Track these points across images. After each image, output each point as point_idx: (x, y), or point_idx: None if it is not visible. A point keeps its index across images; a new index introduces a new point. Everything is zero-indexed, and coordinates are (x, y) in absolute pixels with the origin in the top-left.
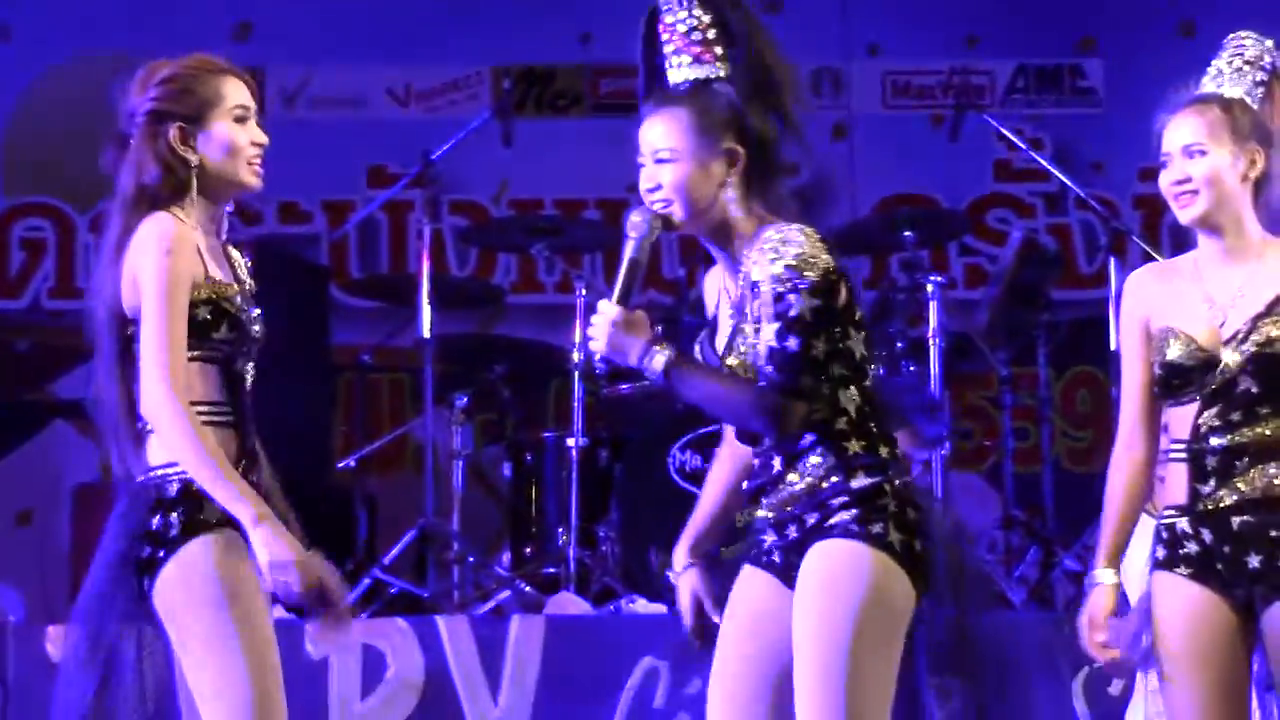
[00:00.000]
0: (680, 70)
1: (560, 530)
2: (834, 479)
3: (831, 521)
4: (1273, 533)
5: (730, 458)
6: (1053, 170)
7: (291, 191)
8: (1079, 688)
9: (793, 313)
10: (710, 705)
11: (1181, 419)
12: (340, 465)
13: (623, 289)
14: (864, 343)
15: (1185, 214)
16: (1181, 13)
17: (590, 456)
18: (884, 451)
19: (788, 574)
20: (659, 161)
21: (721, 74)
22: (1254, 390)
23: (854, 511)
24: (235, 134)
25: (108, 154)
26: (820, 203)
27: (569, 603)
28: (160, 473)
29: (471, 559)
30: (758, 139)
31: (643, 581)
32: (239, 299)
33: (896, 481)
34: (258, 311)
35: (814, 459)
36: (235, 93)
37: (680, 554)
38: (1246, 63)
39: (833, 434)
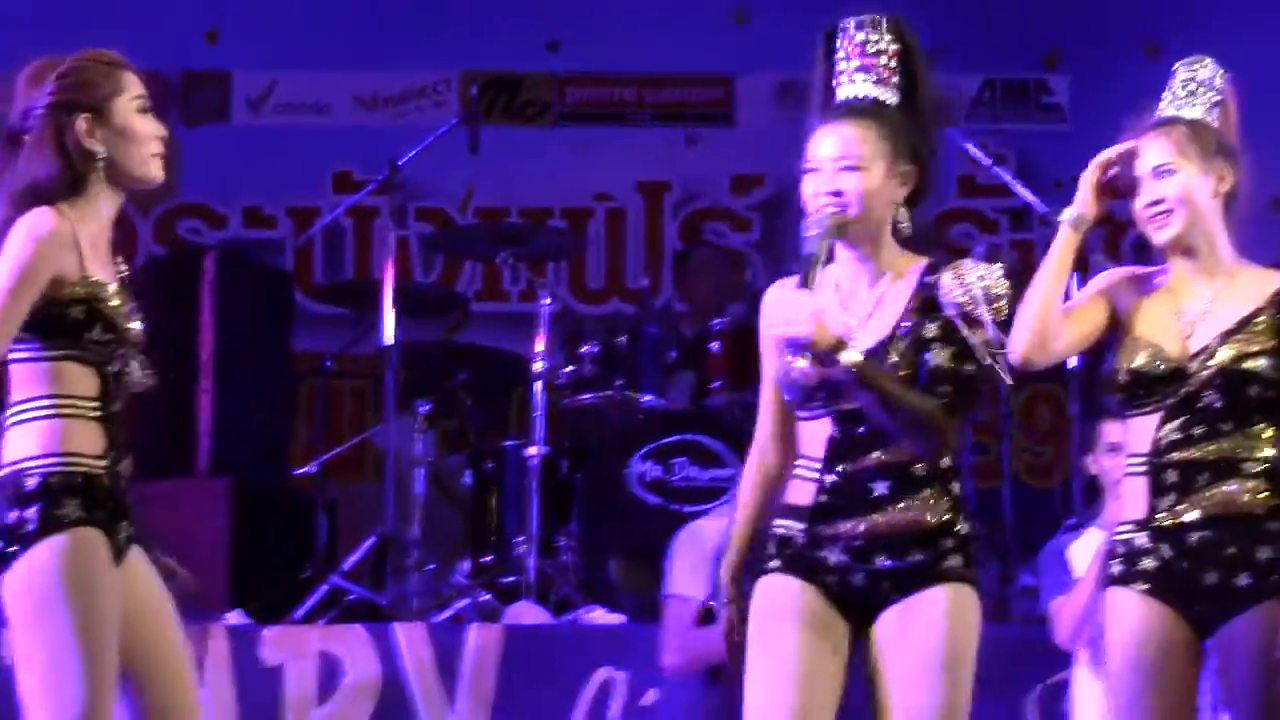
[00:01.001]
0: (859, 85)
1: (520, 539)
2: (946, 518)
3: (946, 564)
4: (1230, 550)
5: (763, 474)
6: (1016, 187)
7: (257, 197)
8: (1032, 706)
9: (974, 342)
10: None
11: (1141, 432)
12: (301, 471)
13: (809, 282)
14: None
15: (1161, 235)
16: (1148, 32)
17: (551, 466)
18: (970, 498)
19: (857, 599)
20: (845, 169)
21: (893, 100)
22: (1217, 405)
23: (962, 556)
24: (139, 124)
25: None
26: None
27: (527, 612)
28: (18, 466)
29: (431, 567)
30: (923, 168)
31: (602, 591)
32: (115, 300)
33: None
34: (133, 310)
35: (928, 492)
36: (134, 85)
37: (730, 578)
38: (1200, 85)
39: (944, 471)
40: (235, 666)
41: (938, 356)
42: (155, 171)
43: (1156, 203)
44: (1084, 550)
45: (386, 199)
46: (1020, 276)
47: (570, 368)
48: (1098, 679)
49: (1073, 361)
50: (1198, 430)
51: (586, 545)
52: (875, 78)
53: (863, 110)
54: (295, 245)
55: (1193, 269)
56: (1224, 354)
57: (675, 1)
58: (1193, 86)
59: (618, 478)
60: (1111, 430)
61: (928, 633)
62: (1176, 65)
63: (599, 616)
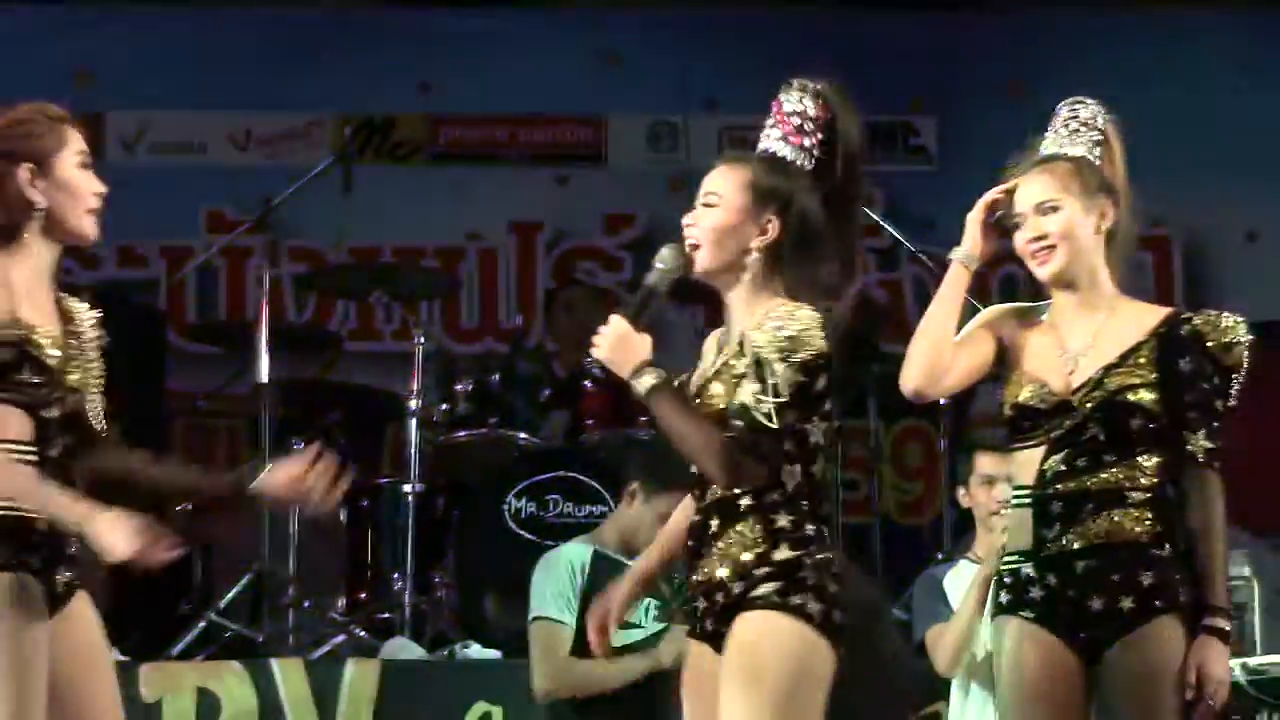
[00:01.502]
0: (765, 140)
1: (396, 576)
2: (759, 550)
3: (756, 593)
4: (1114, 576)
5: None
6: (885, 226)
7: (130, 236)
8: None
9: (774, 381)
10: None
11: (1027, 464)
12: (177, 509)
13: (636, 309)
14: (823, 433)
15: (1044, 270)
16: (1012, 73)
17: (427, 502)
18: (809, 528)
19: (716, 641)
20: (705, 205)
21: (800, 162)
22: (1101, 437)
23: (777, 584)
24: (79, 179)
25: None
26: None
27: (403, 648)
28: None
29: (307, 604)
30: (800, 226)
31: (477, 627)
32: (50, 345)
33: (819, 555)
34: (90, 361)
35: (742, 526)
36: (77, 140)
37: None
38: (1082, 124)
39: (764, 505)
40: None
41: (742, 394)
42: (89, 228)
43: (1040, 238)
44: (957, 581)
45: (260, 238)
46: (890, 313)
47: (445, 405)
48: (972, 706)
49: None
50: (1082, 461)
51: (462, 581)
52: (781, 134)
53: (742, 157)
54: (169, 284)
55: (1075, 303)
56: (1107, 387)
57: (547, 43)
58: (1075, 125)
59: (493, 514)
60: (984, 463)
61: (731, 655)
62: (1060, 105)
63: (475, 651)
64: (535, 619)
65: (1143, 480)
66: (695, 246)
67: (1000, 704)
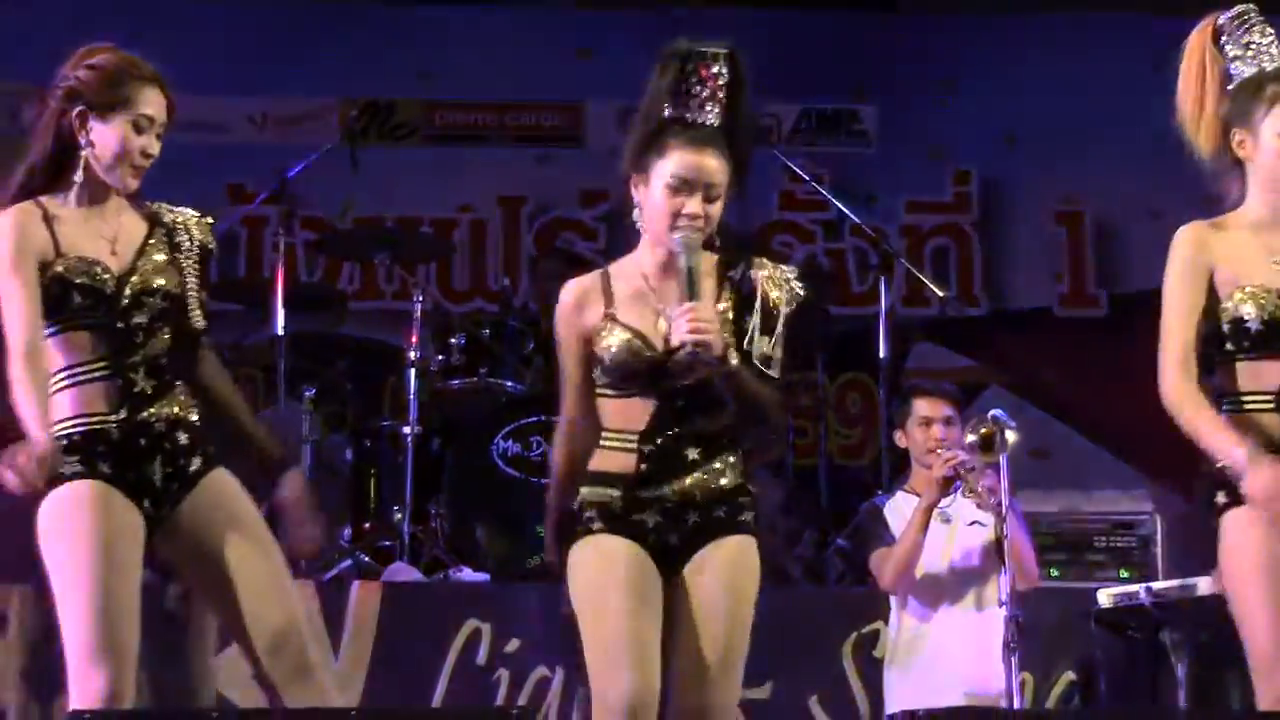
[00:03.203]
0: (710, 114)
1: (396, 508)
2: (740, 480)
3: (741, 518)
4: None
5: (584, 442)
6: (832, 200)
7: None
8: (848, 649)
9: (785, 331)
10: (634, 647)
11: (1267, 374)
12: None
13: (692, 290)
14: None
15: None
16: (943, 71)
17: (423, 443)
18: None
19: (672, 554)
20: (709, 200)
21: (717, 123)
22: None
23: (752, 513)
24: (128, 137)
25: (29, 109)
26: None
27: (402, 571)
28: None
29: None
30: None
31: (468, 553)
32: (98, 268)
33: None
34: (179, 263)
35: (730, 457)
36: (148, 102)
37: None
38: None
39: (735, 439)
40: (144, 619)
41: (763, 346)
42: (121, 182)
43: None
44: (896, 512)
45: (275, 208)
46: (835, 279)
47: (440, 357)
48: (910, 620)
49: (882, 352)
50: None
51: (455, 513)
52: (719, 108)
53: (719, 141)
54: None
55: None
56: None
57: (531, 37)
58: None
59: (482, 454)
60: (921, 406)
61: (727, 572)
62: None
63: (466, 575)
64: None
65: None
66: (707, 230)
67: (1237, 584)
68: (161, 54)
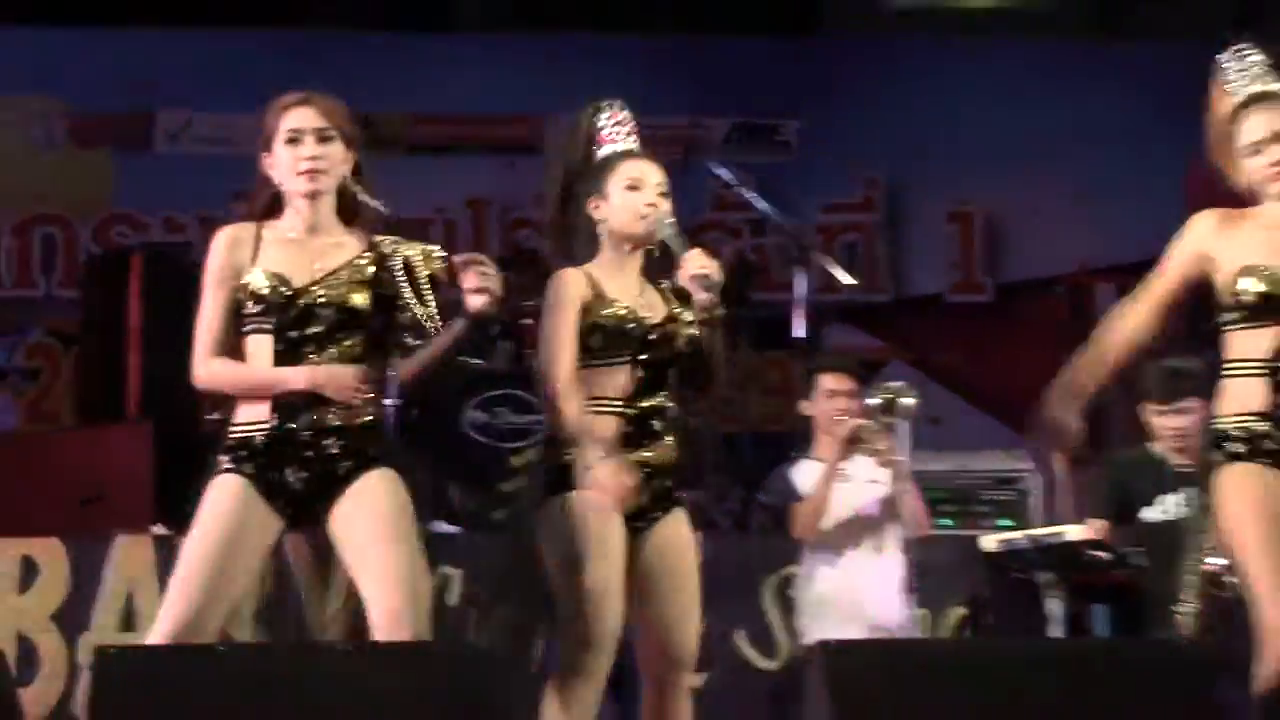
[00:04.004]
0: (629, 142)
1: None
2: (680, 458)
3: (681, 492)
4: None
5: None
6: (756, 203)
7: (173, 209)
8: (768, 590)
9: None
10: (611, 593)
11: (1259, 341)
12: (209, 417)
13: (684, 244)
14: None
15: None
16: (858, 85)
17: (403, 412)
18: None
19: (640, 516)
20: (663, 195)
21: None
22: None
23: (682, 490)
24: (283, 153)
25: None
26: None
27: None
28: None
29: None
30: None
31: (442, 509)
32: (281, 285)
33: None
34: (327, 291)
35: (675, 435)
36: (291, 119)
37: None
38: (1266, 65)
39: (680, 419)
40: (160, 566)
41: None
42: (298, 186)
43: (1277, 163)
44: (802, 474)
45: None
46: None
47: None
48: (819, 566)
49: (800, 333)
50: None
51: (430, 473)
52: (634, 136)
53: (647, 155)
54: (203, 248)
55: None
56: None
57: (498, 59)
58: (1262, 64)
59: (454, 422)
60: (827, 381)
61: (684, 544)
62: (1228, 53)
63: (440, 527)
64: None
65: None
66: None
67: (1238, 530)
68: (177, 77)
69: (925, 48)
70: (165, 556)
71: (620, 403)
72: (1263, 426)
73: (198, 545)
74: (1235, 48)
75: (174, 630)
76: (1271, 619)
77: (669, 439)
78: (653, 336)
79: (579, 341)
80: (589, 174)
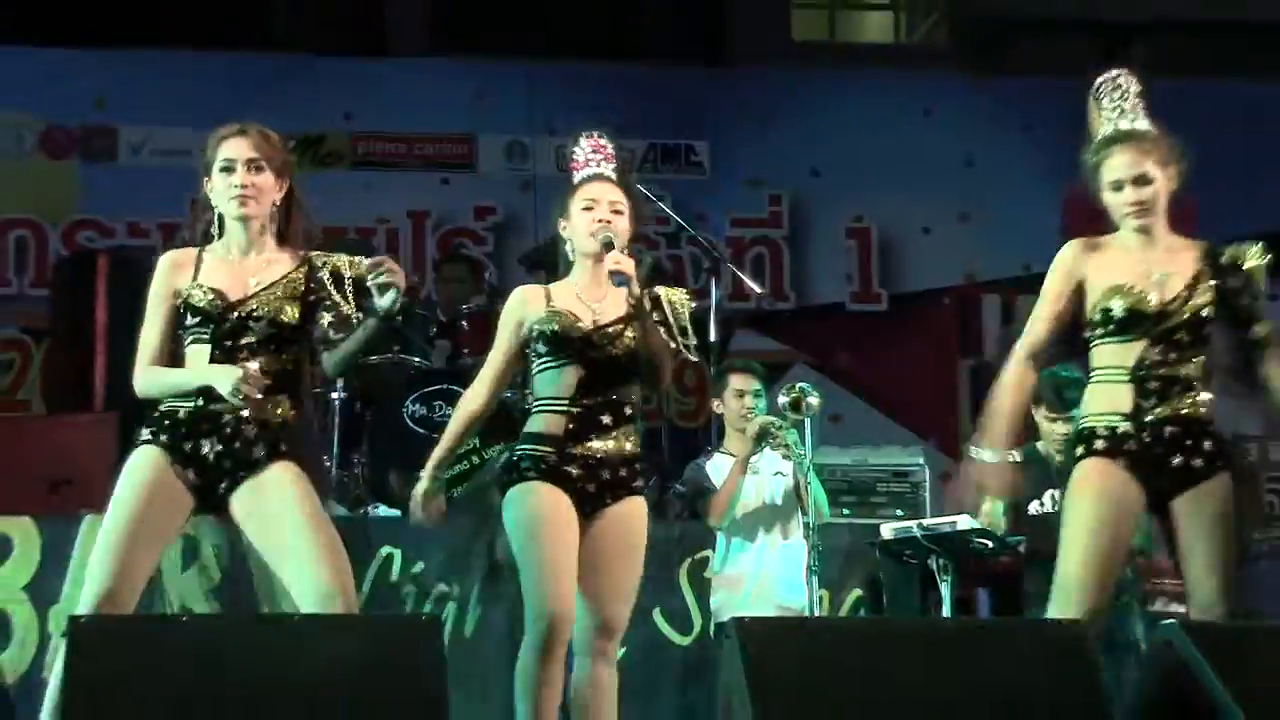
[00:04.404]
0: (606, 168)
1: (325, 457)
2: (638, 449)
3: (636, 483)
4: (1187, 441)
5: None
6: (672, 216)
7: (136, 214)
8: (683, 572)
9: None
10: (561, 573)
11: (1125, 353)
12: None
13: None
14: None
15: (1140, 222)
16: (762, 111)
17: (347, 405)
18: None
19: (590, 502)
20: (616, 212)
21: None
22: (1185, 338)
23: (643, 479)
24: (219, 180)
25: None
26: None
27: (330, 507)
28: None
29: None
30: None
31: (383, 494)
32: (204, 298)
33: None
34: (272, 293)
35: (634, 428)
36: (226, 149)
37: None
38: (1133, 96)
39: (636, 416)
40: None
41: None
42: (231, 210)
43: (1134, 202)
44: (715, 468)
45: None
46: (673, 278)
47: None
48: (733, 550)
49: (712, 337)
50: (1173, 354)
51: (373, 462)
52: (612, 164)
53: (607, 178)
54: (163, 251)
55: (1147, 241)
56: (1192, 300)
57: (436, 83)
58: (1128, 99)
59: (395, 414)
60: (736, 380)
61: (630, 528)
62: (1101, 81)
63: (381, 511)
64: None
65: (1197, 373)
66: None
67: (1078, 514)
68: (136, 95)
69: (824, 78)
70: None
71: (565, 401)
72: (1126, 426)
73: (114, 521)
74: (1111, 77)
75: (97, 602)
76: (1066, 579)
77: (621, 431)
78: (594, 339)
79: (532, 348)
80: (564, 198)
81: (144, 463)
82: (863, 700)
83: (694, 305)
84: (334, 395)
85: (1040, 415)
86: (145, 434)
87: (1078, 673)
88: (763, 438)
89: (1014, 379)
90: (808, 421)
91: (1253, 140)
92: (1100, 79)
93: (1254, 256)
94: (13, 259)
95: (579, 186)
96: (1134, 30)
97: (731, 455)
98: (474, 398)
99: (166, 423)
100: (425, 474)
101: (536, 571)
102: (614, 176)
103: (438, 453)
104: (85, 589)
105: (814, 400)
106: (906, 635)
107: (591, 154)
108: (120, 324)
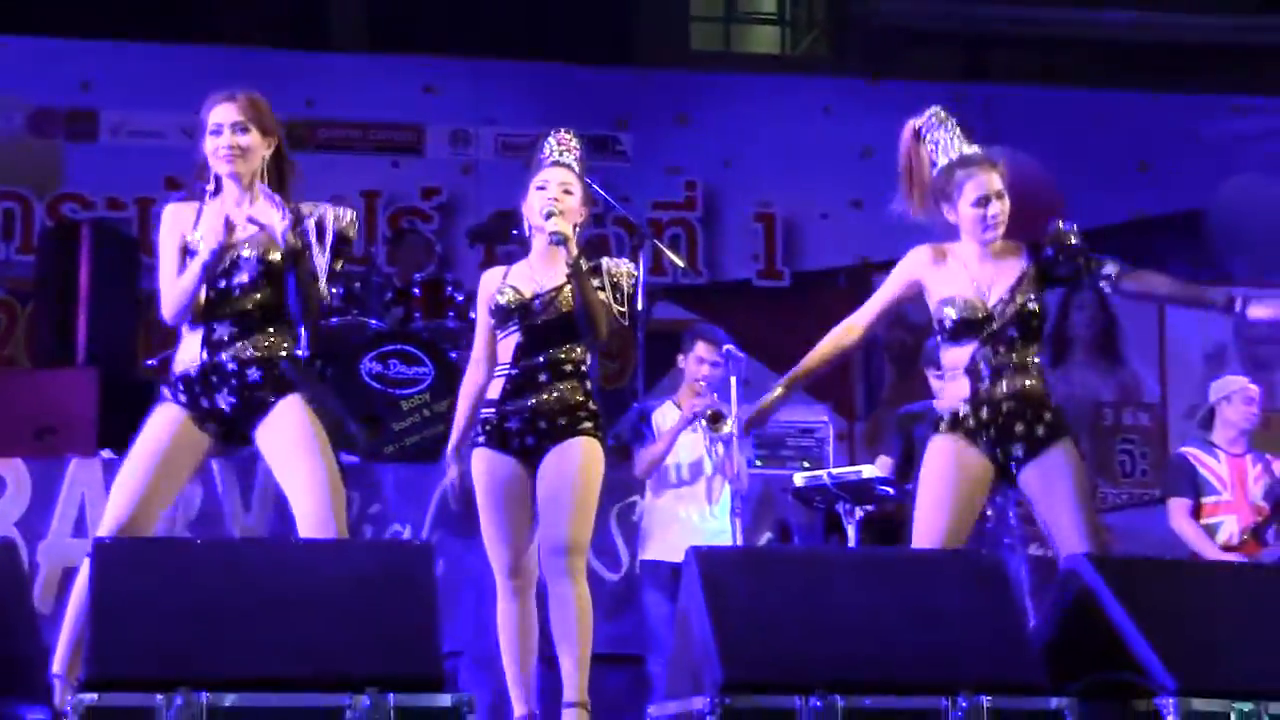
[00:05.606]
0: (566, 157)
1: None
2: (582, 399)
3: (581, 426)
4: (1027, 411)
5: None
6: (605, 197)
7: (115, 190)
8: (614, 516)
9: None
10: (507, 530)
11: (961, 353)
12: (148, 363)
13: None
14: None
15: (993, 235)
16: (680, 106)
17: (310, 363)
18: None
19: (533, 452)
20: (566, 192)
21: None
22: (1015, 335)
23: (590, 422)
24: (210, 141)
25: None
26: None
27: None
28: None
29: None
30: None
31: (343, 442)
32: (202, 243)
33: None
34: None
35: (576, 382)
36: (216, 114)
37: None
38: (963, 128)
39: (581, 371)
40: (107, 485)
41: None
42: (219, 168)
43: (995, 215)
44: (662, 416)
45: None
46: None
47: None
48: (658, 497)
49: (640, 306)
50: (1002, 348)
51: (335, 412)
52: (573, 155)
53: (564, 166)
54: (140, 222)
55: (983, 252)
56: (1017, 302)
57: (389, 76)
58: (959, 129)
59: (354, 371)
60: (702, 349)
61: (571, 463)
62: (930, 113)
63: (342, 457)
64: None
65: (1036, 359)
66: (563, 212)
67: (923, 492)
68: (118, 80)
69: (735, 80)
70: (111, 476)
71: (507, 365)
72: (966, 409)
73: (135, 459)
74: (934, 111)
75: (115, 526)
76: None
77: (561, 385)
78: (532, 306)
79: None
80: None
81: (162, 412)
82: (805, 616)
83: (635, 280)
84: (298, 353)
85: (931, 375)
86: (164, 393)
87: (999, 594)
88: (716, 420)
89: (832, 335)
90: (735, 425)
91: (1103, 142)
92: (928, 113)
93: (1066, 233)
94: (1, 228)
95: (537, 171)
96: (995, 42)
97: (678, 409)
98: (470, 380)
99: (181, 385)
100: (447, 461)
101: (487, 531)
102: (573, 165)
103: (453, 438)
104: (105, 516)
105: (728, 416)
106: (843, 562)
107: (556, 146)
108: (100, 288)
